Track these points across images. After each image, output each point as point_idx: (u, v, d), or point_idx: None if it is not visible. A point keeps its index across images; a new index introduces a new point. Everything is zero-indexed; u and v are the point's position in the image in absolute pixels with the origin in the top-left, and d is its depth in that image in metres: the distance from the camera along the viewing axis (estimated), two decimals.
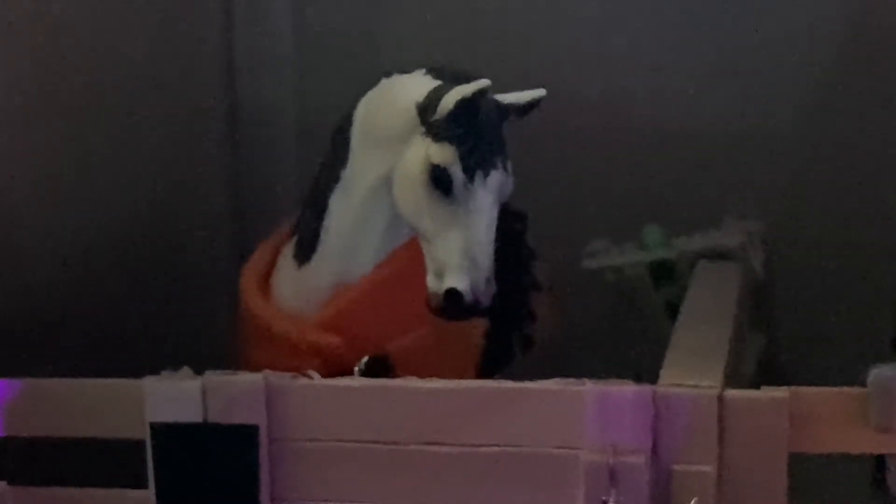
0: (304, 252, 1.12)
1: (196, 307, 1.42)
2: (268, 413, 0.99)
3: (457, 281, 1.00)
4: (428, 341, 1.09)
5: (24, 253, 1.21)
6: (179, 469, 1.00)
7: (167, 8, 1.42)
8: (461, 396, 0.97)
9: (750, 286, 1.31)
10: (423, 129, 1.02)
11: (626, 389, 0.94)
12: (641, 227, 1.40)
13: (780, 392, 0.95)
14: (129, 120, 1.34)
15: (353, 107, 1.09)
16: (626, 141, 1.50)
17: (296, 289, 1.12)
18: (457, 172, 1.00)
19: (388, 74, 1.08)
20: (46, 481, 1.06)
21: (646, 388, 0.94)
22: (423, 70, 1.06)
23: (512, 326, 1.18)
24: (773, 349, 1.39)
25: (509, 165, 1.03)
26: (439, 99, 1.01)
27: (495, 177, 1.02)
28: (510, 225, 1.12)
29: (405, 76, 1.07)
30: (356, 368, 1.08)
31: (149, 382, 1.00)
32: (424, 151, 1.01)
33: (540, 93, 1.05)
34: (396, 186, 1.04)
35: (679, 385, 0.95)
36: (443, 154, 1.01)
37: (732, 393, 0.95)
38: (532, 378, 0.98)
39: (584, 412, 0.95)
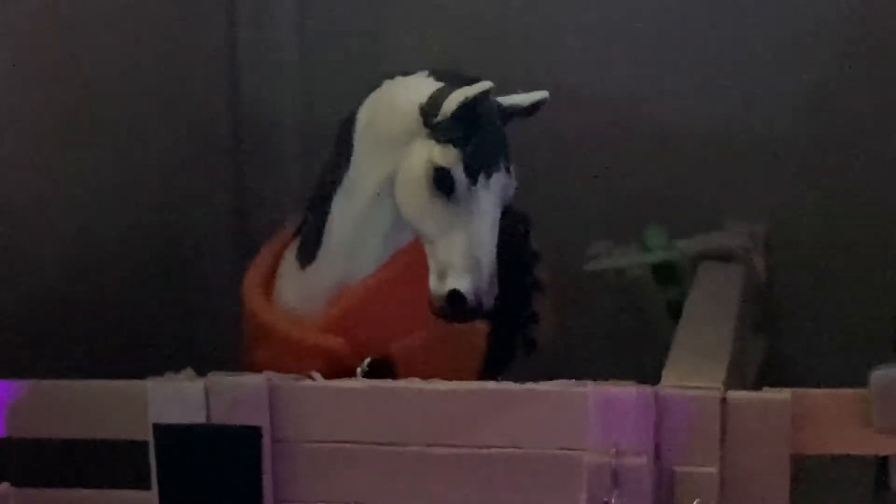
0: (307, 254, 1.12)
1: (199, 309, 1.42)
2: (271, 414, 0.99)
3: (459, 283, 1.00)
4: (430, 343, 1.09)
5: (28, 256, 1.21)
6: (182, 470, 1.00)
7: (170, 11, 1.42)
8: (464, 398, 0.98)
9: (752, 288, 1.31)
10: (425, 131, 1.02)
11: (628, 391, 0.95)
12: (644, 229, 1.40)
13: (783, 393, 0.95)
14: (133, 123, 1.34)
15: (355, 109, 1.09)
16: (629, 143, 1.50)
17: (299, 290, 1.12)
18: (459, 174, 1.01)
19: (390, 77, 1.08)
20: (50, 483, 1.06)
21: (648, 390, 0.95)
22: (426, 72, 1.06)
23: (514, 328, 1.18)
24: (775, 351, 1.39)
25: (512, 167, 1.03)
26: (442, 101, 1.01)
27: (498, 179, 1.02)
28: (513, 227, 1.12)
29: (408, 78, 1.07)
30: (359, 370, 1.08)
31: (152, 384, 1.00)
32: (427, 153, 1.02)
33: (542, 95, 1.05)
34: (399, 188, 1.04)
35: (681, 386, 0.95)
36: (445, 156, 1.01)
37: (735, 394, 0.95)
38: (534, 379, 0.98)
39: (586, 413, 0.95)
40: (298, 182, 1.52)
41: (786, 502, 0.95)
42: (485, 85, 1.00)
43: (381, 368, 1.08)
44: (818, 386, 0.96)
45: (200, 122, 1.49)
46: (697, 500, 0.94)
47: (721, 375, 0.97)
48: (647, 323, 1.37)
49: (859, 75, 1.46)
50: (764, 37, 1.47)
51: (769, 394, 0.95)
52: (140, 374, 1.01)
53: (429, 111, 1.02)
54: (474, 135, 1.01)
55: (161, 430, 1.00)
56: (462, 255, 1.00)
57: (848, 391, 0.95)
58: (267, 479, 0.99)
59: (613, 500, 0.94)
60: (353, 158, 1.08)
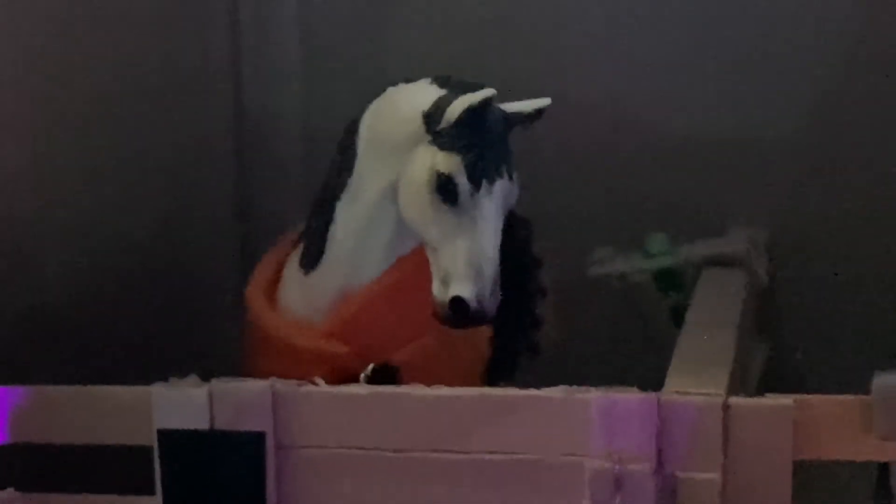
0: (311, 260, 1.12)
1: (203, 314, 1.42)
2: (274, 420, 0.99)
3: (462, 289, 1.00)
4: (433, 349, 1.09)
5: (32, 261, 1.21)
6: (186, 476, 1.00)
7: (174, 17, 1.43)
8: (467, 404, 0.98)
9: (754, 293, 1.31)
10: (428, 137, 1.03)
11: (631, 397, 0.95)
12: (646, 235, 1.40)
13: (785, 400, 0.95)
14: (136, 128, 1.35)
15: (358, 116, 1.09)
16: (631, 149, 1.50)
17: (302, 296, 1.13)
18: (462, 181, 1.01)
19: (393, 83, 1.09)
20: (54, 488, 1.06)
21: (651, 396, 0.95)
22: (429, 79, 1.06)
23: (517, 334, 1.18)
24: (777, 357, 1.39)
25: (514, 174, 1.04)
26: (445, 108, 1.02)
27: (500, 185, 1.02)
28: (515, 233, 1.12)
29: (411, 85, 1.07)
30: (362, 376, 1.08)
31: (156, 389, 1.01)
32: (430, 160, 1.02)
33: (545, 102, 1.05)
34: (402, 195, 1.04)
35: (684, 392, 0.95)
36: (448, 163, 1.01)
37: (737, 400, 0.95)
38: (537, 385, 0.98)
39: (589, 420, 0.95)
40: (301, 188, 1.51)
41: None
42: (488, 92, 1.01)
43: (385, 374, 1.08)
44: (820, 392, 0.96)
45: (203, 129, 1.50)
46: None
47: (723, 382, 0.98)
48: (649, 328, 1.37)
49: (861, 81, 1.46)
50: (766, 43, 1.48)
51: (772, 400, 0.95)
52: (144, 380, 1.02)
53: (432, 118, 1.02)
54: (477, 142, 1.01)
55: (165, 436, 1.00)
56: (465, 262, 1.00)
57: (850, 397, 0.95)
58: (270, 485, 0.99)
59: None
60: (356, 165, 1.09)
